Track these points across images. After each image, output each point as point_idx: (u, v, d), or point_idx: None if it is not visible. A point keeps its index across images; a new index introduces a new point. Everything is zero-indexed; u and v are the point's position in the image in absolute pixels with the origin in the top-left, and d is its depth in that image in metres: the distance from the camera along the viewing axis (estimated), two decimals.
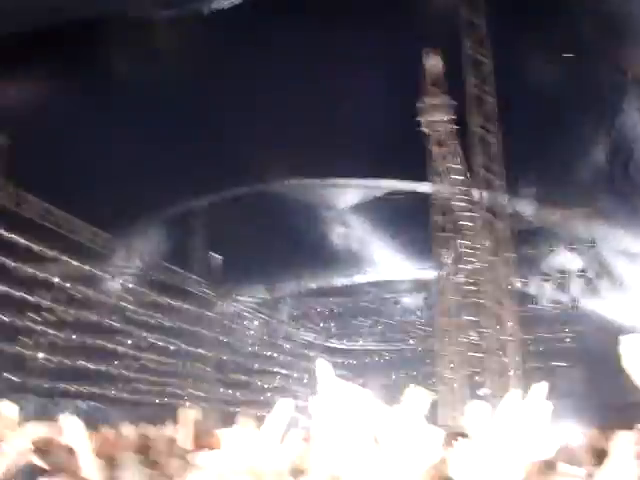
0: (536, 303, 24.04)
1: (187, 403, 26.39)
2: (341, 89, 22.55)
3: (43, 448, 7.91)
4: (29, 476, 4.84)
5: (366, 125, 22.59)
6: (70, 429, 4.69)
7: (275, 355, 27.71)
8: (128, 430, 9.38)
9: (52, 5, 18.07)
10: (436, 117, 20.99)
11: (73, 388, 22.31)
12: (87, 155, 21.74)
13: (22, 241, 20.49)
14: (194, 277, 28.44)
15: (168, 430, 10.88)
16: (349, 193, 28.22)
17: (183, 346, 26.69)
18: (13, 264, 20.51)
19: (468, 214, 21.65)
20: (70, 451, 7.66)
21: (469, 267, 21.88)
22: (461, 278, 21.57)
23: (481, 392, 21.23)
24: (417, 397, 4.30)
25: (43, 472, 4.97)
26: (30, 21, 18.54)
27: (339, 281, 29.39)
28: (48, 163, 20.65)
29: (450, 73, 21.23)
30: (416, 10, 20.57)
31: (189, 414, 7.60)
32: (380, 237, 26.96)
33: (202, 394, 26.57)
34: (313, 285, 29.80)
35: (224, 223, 26.80)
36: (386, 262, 27.73)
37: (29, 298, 20.98)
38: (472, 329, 21.42)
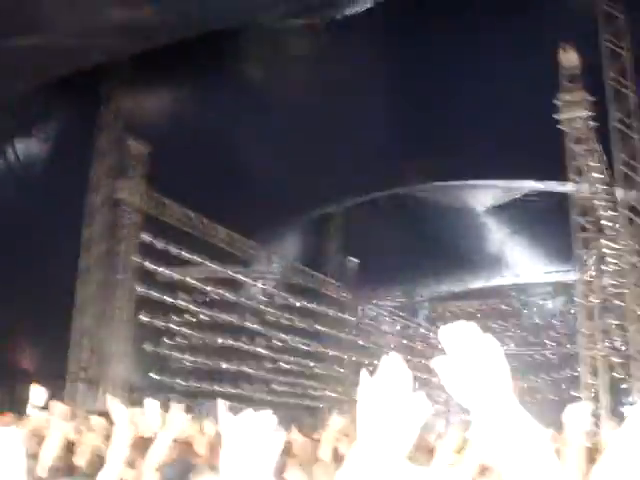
0: None
1: (322, 405, 26.71)
2: (478, 88, 22.24)
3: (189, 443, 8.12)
4: (181, 470, 4.98)
5: (504, 124, 22.19)
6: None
7: (411, 358, 27.51)
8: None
9: (183, 18, 18.65)
10: (574, 114, 20.28)
11: (213, 388, 22.93)
12: (225, 160, 22.28)
13: (162, 245, 21.22)
14: (332, 281, 28.67)
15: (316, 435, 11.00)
16: (488, 195, 27.76)
17: (321, 349, 26.97)
18: (154, 267, 21.31)
19: (610, 213, 20.81)
20: (211, 446, 7.84)
21: (611, 268, 21.05)
22: (603, 280, 20.76)
23: (626, 400, 20.39)
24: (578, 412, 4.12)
25: (193, 467, 5.13)
26: (163, 35, 19.22)
27: (477, 284, 29.00)
28: (187, 170, 21.32)
29: (589, 68, 20.52)
30: (553, 4, 20.07)
31: (336, 421, 7.61)
32: (519, 239, 26.44)
33: (339, 396, 26.75)
34: (451, 288, 29.53)
35: (362, 226, 26.92)
36: (525, 264, 27.17)
37: (170, 300, 21.73)
38: (616, 333, 20.59)
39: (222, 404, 5.14)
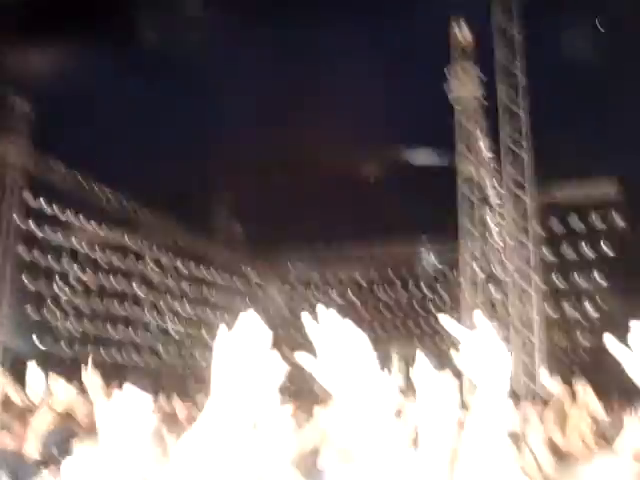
0: (563, 279, 23.73)
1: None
2: (371, 62, 22.42)
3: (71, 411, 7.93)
4: (63, 438, 4.85)
5: (395, 98, 22.45)
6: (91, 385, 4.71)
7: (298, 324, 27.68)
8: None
9: None
10: (465, 91, 20.75)
11: (97, 355, 22.47)
12: (113, 122, 21.74)
13: (48, 208, 20.55)
14: (220, 247, 28.48)
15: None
16: (376, 164, 28.06)
17: (208, 316, 26.83)
18: (40, 231, 20.65)
19: (495, 189, 21.47)
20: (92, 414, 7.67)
21: (495, 242, 21.74)
22: (488, 253, 21.42)
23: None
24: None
25: (75, 434, 5.00)
26: None
27: (363, 250, 29.25)
28: (74, 130, 20.70)
29: (480, 46, 20.97)
30: None
31: None
32: (405, 209, 26.79)
33: None
34: (335, 254, 29.70)
35: (247, 192, 26.78)
36: (410, 233, 27.58)
37: (55, 266, 21.13)
38: (498, 305, 21.26)
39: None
